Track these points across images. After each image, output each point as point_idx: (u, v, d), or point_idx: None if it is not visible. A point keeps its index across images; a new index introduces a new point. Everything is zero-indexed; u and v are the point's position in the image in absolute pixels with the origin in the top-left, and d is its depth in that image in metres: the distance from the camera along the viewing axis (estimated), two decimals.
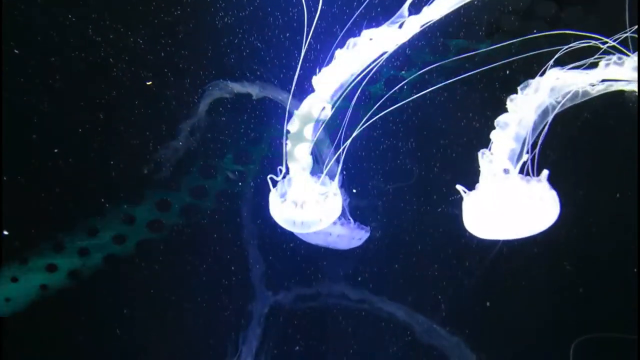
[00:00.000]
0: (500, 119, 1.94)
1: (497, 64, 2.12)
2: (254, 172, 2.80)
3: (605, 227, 2.58)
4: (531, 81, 1.96)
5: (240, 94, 2.64)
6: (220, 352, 3.06)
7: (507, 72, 2.18)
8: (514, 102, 1.96)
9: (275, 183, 2.17)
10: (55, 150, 2.74)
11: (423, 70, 2.20)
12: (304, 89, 2.21)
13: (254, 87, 2.59)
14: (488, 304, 2.76)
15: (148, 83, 2.60)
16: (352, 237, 2.61)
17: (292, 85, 2.22)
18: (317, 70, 2.09)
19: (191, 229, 2.93)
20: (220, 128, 2.75)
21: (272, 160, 2.65)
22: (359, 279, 2.96)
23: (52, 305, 2.97)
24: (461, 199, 1.92)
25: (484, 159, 1.91)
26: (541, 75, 1.92)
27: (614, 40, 1.88)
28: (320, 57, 2.30)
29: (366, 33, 2.03)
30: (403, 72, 2.28)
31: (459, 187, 1.93)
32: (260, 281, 3.02)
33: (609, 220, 2.58)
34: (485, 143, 1.95)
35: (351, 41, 2.05)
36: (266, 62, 2.58)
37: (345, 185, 2.47)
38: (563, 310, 2.84)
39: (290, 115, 2.20)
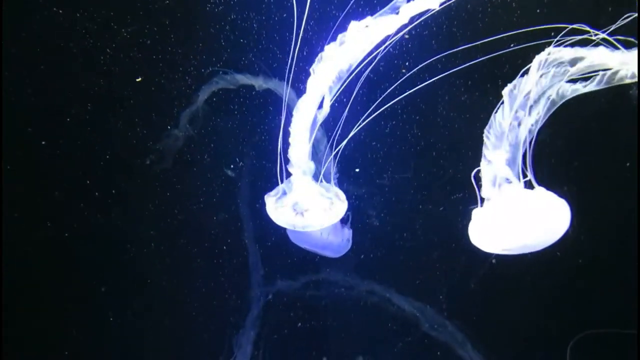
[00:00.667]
0: (495, 119, 1.93)
1: (497, 53, 2.12)
2: (251, 158, 2.83)
3: (605, 227, 2.61)
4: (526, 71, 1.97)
5: (243, 85, 2.63)
6: (219, 338, 3.13)
7: (510, 64, 2.15)
8: (509, 95, 1.95)
9: (282, 180, 2.21)
10: (43, 143, 2.75)
11: (424, 64, 2.23)
12: (303, 80, 2.19)
13: (258, 79, 2.59)
14: (494, 261, 2.74)
15: (138, 79, 2.60)
16: (340, 238, 2.65)
17: (288, 75, 2.22)
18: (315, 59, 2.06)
19: (185, 215, 2.96)
20: (220, 118, 2.76)
21: (269, 149, 2.67)
22: (359, 267, 3.01)
23: (45, 293, 3.02)
24: (463, 196, 1.95)
25: (484, 163, 1.91)
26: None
27: (604, 32, 1.90)
28: (318, 44, 2.30)
29: (355, 25, 2.00)
30: (404, 70, 2.29)
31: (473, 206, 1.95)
32: (260, 266, 3.07)
33: (609, 220, 2.61)
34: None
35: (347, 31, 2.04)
36: (262, 50, 2.56)
37: (340, 182, 2.51)
38: (565, 309, 2.88)
39: (289, 109, 2.23)
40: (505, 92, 1.95)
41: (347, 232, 2.68)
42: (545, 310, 2.90)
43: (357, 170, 2.72)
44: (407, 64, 2.37)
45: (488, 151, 1.90)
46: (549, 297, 2.87)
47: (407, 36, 2.29)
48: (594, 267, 2.74)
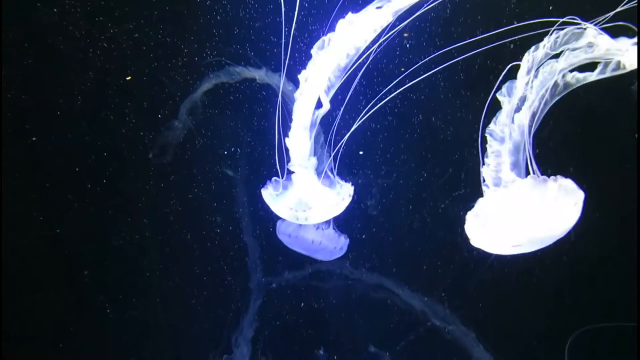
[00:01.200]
0: (491, 127, 1.92)
1: (496, 44, 2.09)
2: (249, 147, 2.84)
3: (607, 225, 2.58)
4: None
5: (244, 77, 2.63)
6: (219, 325, 3.18)
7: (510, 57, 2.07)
8: (504, 99, 1.95)
9: (282, 168, 2.24)
10: (34, 139, 2.74)
11: (423, 62, 2.22)
12: (300, 70, 2.14)
13: (260, 71, 2.58)
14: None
15: (128, 78, 2.59)
16: (334, 246, 2.68)
17: (284, 62, 2.21)
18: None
19: (183, 206, 2.98)
20: (219, 110, 2.76)
21: (268, 139, 2.68)
22: (360, 259, 3.04)
23: (43, 286, 3.05)
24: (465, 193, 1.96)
25: (487, 169, 1.89)
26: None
27: (592, 23, 1.86)
28: (315, 26, 2.32)
29: (342, 23, 1.98)
30: (403, 69, 2.29)
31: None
32: (260, 255, 3.10)
33: (610, 218, 2.59)
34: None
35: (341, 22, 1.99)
36: (258, 41, 2.55)
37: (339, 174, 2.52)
38: (567, 308, 2.89)
39: (287, 99, 2.23)
40: (500, 96, 1.96)
41: (343, 241, 2.71)
42: (547, 309, 2.93)
43: (361, 152, 2.73)
44: (408, 45, 2.37)
45: (491, 158, 1.91)
46: (551, 296, 2.90)
47: (406, 34, 2.30)
48: (596, 265, 2.77)
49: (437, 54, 2.12)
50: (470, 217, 1.96)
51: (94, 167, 2.83)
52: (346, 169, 2.64)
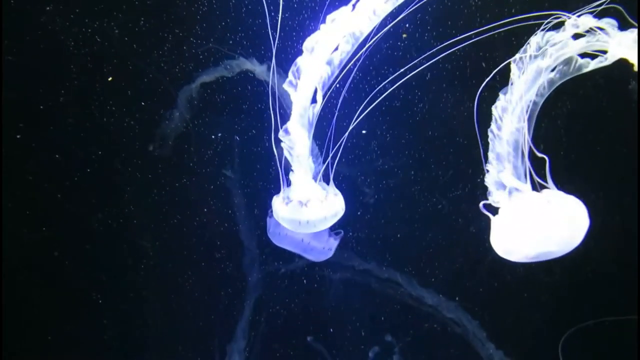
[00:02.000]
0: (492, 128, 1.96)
1: (488, 34, 2.09)
2: (242, 135, 2.84)
3: (608, 225, 2.60)
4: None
5: (243, 70, 2.62)
6: (217, 311, 3.21)
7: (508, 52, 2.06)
8: (499, 108, 1.96)
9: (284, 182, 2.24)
10: (19, 137, 2.69)
11: (418, 60, 2.21)
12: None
13: (262, 66, 2.57)
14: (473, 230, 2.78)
15: (110, 79, 2.55)
16: (323, 247, 2.71)
17: (273, 58, 2.20)
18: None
19: (178, 196, 2.99)
20: (215, 101, 2.75)
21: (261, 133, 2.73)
22: (360, 252, 3.08)
23: (38, 279, 3.04)
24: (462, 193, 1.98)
25: (490, 174, 1.93)
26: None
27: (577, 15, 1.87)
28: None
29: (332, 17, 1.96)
30: (402, 69, 2.31)
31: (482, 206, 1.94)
32: (259, 240, 3.10)
33: (612, 218, 2.63)
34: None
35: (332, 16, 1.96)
36: (249, 33, 2.55)
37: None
38: (569, 307, 2.93)
39: (283, 98, 2.25)
40: (495, 108, 1.98)
41: (332, 242, 2.74)
42: (549, 307, 2.98)
43: (364, 132, 2.72)
44: (405, 40, 2.41)
45: (492, 161, 1.95)
46: (553, 295, 2.94)
47: (405, 35, 2.31)
48: (599, 265, 2.81)
49: (436, 49, 2.13)
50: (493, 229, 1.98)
51: (82, 162, 2.82)
52: (344, 159, 2.69)
